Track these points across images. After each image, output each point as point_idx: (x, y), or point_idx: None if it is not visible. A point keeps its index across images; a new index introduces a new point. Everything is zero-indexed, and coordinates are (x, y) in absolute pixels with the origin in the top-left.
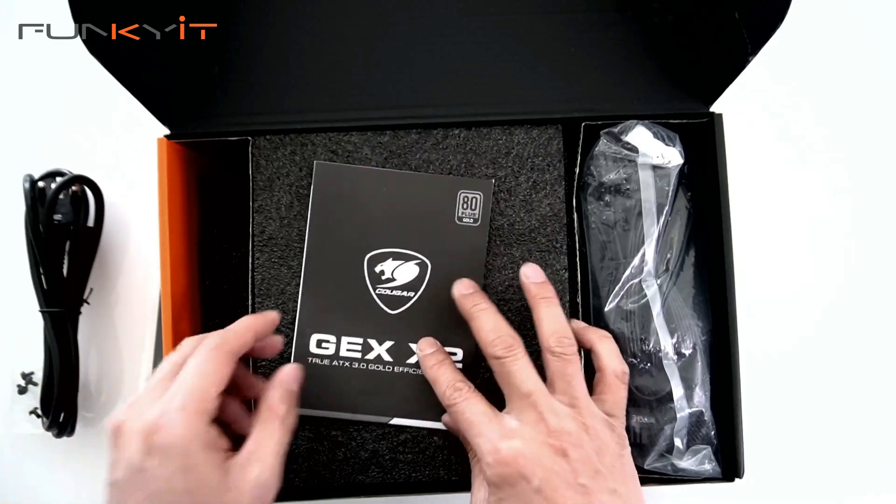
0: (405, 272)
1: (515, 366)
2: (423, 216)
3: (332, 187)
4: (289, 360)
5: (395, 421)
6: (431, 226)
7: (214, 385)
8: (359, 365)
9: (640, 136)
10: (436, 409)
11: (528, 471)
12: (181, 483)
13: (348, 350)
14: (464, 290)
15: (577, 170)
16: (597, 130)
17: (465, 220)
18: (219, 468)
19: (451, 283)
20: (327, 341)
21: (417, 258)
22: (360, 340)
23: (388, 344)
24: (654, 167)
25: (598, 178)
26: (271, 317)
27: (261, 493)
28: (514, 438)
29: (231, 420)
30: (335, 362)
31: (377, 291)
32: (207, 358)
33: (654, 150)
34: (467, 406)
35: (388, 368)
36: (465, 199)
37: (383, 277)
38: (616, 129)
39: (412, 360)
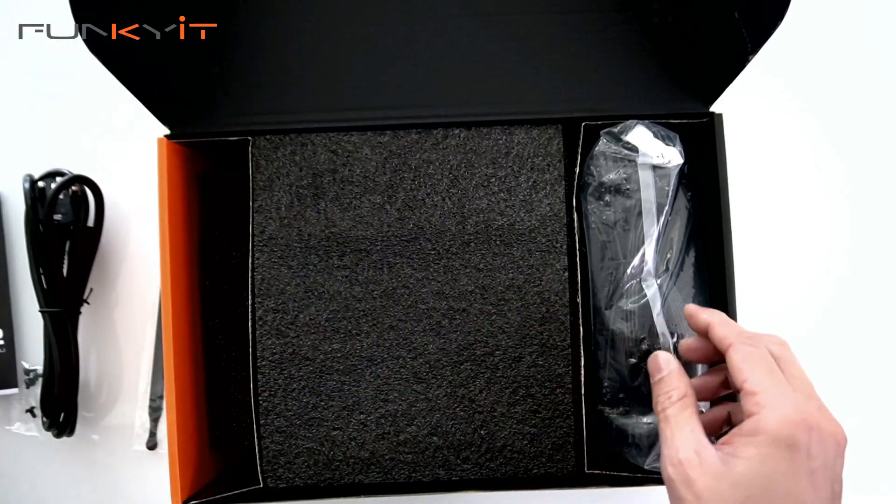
0: None
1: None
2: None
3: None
4: None
5: None
6: None
7: None
8: None
9: (640, 136)
10: None
11: None
12: None
13: None
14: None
15: (578, 170)
16: (597, 130)
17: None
18: None
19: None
20: None
21: None
22: None
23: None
24: (654, 167)
25: (598, 177)
26: None
27: None
28: None
29: None
30: None
31: None
32: None
33: (654, 150)
34: None
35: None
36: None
37: None
38: (616, 129)
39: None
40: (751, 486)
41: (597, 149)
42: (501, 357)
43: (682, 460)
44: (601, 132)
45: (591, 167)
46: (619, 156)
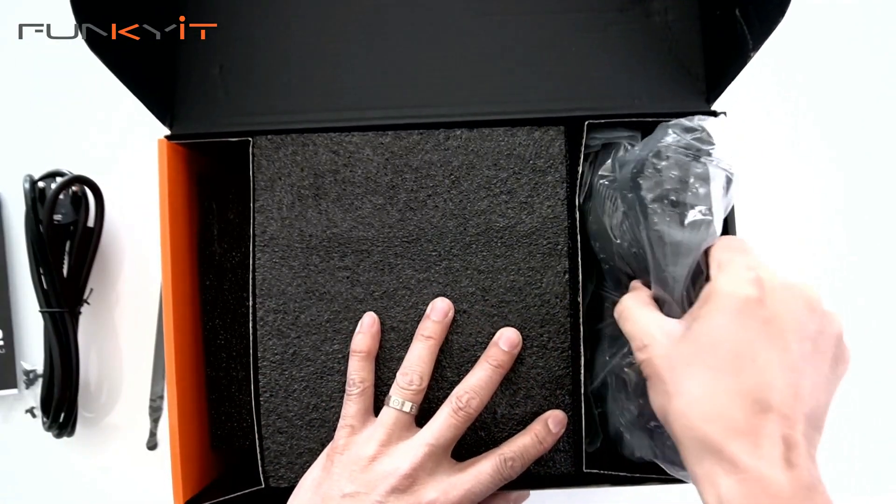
0: None
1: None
2: None
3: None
4: None
5: None
6: None
7: None
8: None
9: (719, 129)
10: None
11: None
12: None
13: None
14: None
15: (580, 169)
16: (599, 130)
17: None
18: None
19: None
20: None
21: None
22: None
23: None
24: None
25: (663, 174)
26: None
27: None
28: None
29: None
30: None
31: None
32: None
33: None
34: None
35: None
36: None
37: None
38: (685, 120)
39: None
40: (699, 340)
41: (662, 142)
42: None
43: (646, 344)
44: (668, 124)
45: (655, 163)
46: (690, 150)
